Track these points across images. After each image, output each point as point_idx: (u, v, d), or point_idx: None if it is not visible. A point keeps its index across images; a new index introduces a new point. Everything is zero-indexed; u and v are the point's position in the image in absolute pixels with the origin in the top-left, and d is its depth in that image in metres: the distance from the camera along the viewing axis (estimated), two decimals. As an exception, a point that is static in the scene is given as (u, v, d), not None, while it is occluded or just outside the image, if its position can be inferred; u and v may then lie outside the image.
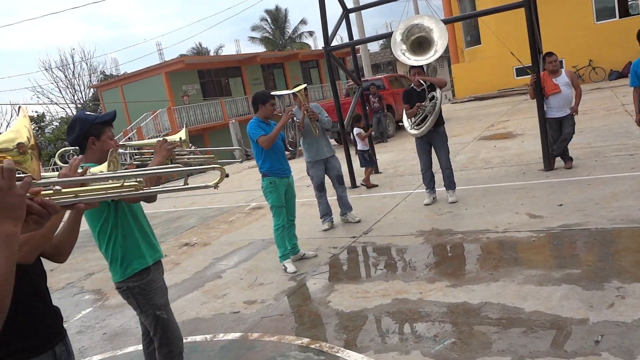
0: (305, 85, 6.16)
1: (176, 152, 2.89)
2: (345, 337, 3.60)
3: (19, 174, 1.16)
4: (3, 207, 1.08)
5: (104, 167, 1.86)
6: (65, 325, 4.63)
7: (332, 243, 5.82)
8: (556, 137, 7.08)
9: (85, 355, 4.11)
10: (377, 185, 8.37)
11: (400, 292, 4.12)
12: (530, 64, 7.21)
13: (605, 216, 4.92)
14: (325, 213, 6.35)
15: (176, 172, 1.96)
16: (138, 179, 1.64)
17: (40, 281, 1.91)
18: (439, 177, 6.78)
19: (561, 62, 19.07)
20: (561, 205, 5.51)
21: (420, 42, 6.66)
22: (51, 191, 1.32)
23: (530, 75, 7.23)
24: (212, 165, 1.96)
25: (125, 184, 1.61)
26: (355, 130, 8.68)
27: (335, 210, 6.51)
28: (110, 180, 1.66)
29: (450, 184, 6.57)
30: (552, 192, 6.08)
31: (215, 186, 1.88)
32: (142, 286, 2.75)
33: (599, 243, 4.39)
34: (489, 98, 21.60)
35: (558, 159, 7.20)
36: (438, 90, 6.40)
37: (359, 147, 8.57)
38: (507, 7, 7.28)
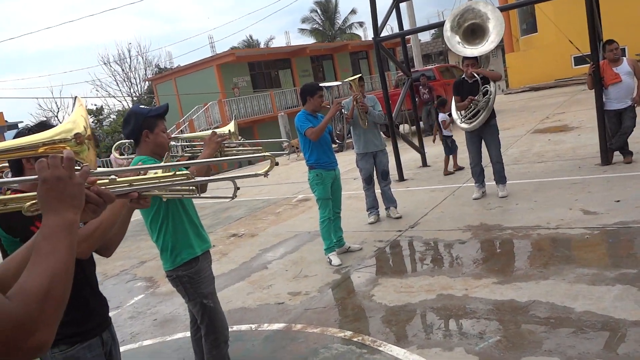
0: (360, 75, 6.13)
1: (225, 145, 2.95)
2: (388, 331, 3.59)
3: (76, 163, 1.20)
4: (64, 195, 1.10)
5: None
6: (118, 311, 4.84)
7: (377, 236, 5.79)
8: (615, 130, 6.75)
9: (136, 339, 4.29)
10: (454, 172, 8.28)
11: (446, 288, 4.06)
12: (590, 53, 6.89)
13: (667, 214, 4.66)
14: (372, 206, 6.33)
15: (227, 161, 2.01)
16: (188, 171, 1.69)
17: (91, 270, 2.01)
18: (489, 171, 6.61)
19: (623, 50, 18.17)
20: (618, 201, 5.26)
21: (473, 30, 6.46)
22: (107, 180, 1.37)
23: (589, 64, 6.91)
24: (263, 154, 2.00)
25: (177, 173, 1.66)
26: (440, 116, 8.53)
27: (383, 204, 6.47)
28: (162, 171, 1.73)
29: (500, 178, 6.39)
30: (609, 187, 5.81)
31: (266, 174, 1.92)
32: (191, 275, 2.83)
33: (659, 242, 4.17)
34: (544, 88, 20.80)
35: (616, 153, 6.86)
36: (492, 84, 6.21)
37: (443, 133, 8.42)
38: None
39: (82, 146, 1.32)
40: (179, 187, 1.70)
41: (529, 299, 3.60)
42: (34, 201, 1.23)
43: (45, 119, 33.55)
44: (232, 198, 1.87)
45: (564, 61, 20.83)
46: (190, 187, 1.76)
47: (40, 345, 0.95)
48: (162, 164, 2.78)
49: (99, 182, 1.30)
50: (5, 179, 1.77)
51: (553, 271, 3.97)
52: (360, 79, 6.01)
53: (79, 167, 1.19)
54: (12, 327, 0.92)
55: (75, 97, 1.47)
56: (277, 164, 1.79)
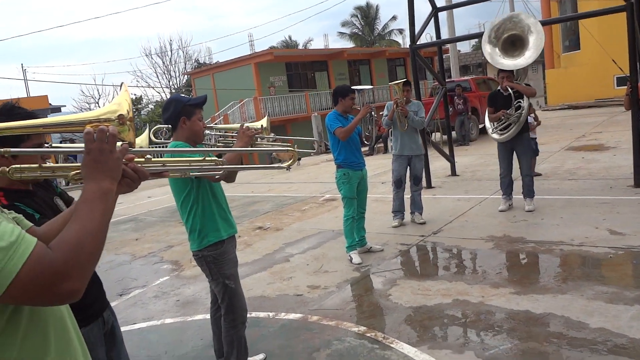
0: (406, 79, 6.23)
1: (256, 138, 3.09)
2: (401, 329, 3.66)
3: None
4: (105, 166, 1.24)
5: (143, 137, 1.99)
6: (143, 289, 5.05)
7: (400, 240, 5.85)
8: (651, 152, 6.64)
9: (159, 317, 4.47)
10: (540, 174, 8.24)
11: (462, 294, 4.11)
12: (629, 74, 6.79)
13: (695, 239, 4.60)
14: (398, 210, 6.38)
15: (255, 151, 2.14)
16: (217, 156, 1.81)
17: None
18: (518, 184, 6.59)
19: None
20: (647, 223, 5.20)
21: (513, 41, 6.45)
22: (143, 159, 1.51)
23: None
24: (287, 148, 2.12)
25: (207, 158, 1.79)
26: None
27: (408, 208, 6.52)
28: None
29: (528, 192, 6.37)
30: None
31: (288, 167, 2.04)
32: (215, 256, 2.98)
33: (684, 266, 4.13)
34: (584, 107, 20.41)
35: (651, 175, 6.74)
36: (525, 99, 6.21)
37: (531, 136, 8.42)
38: (608, 11, 6.92)
39: (123, 126, 1.46)
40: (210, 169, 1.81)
41: (544, 311, 3.62)
42: (77, 171, 1.38)
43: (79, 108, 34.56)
44: (288, 169, 2.00)
45: (606, 81, 20.41)
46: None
47: (73, 291, 1.09)
48: (198, 148, 2.93)
49: (135, 159, 1.42)
50: (53, 149, 1.91)
51: (572, 286, 3.98)
52: (406, 83, 6.12)
53: (120, 144, 1.32)
54: (51, 273, 1.06)
55: (122, 83, 1.61)
56: (299, 159, 1.90)
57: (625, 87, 6.85)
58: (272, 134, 3.45)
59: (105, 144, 1.25)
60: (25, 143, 1.84)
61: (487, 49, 6.53)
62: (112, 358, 2.14)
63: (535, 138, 8.33)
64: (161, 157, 1.78)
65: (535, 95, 6.34)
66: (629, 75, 6.83)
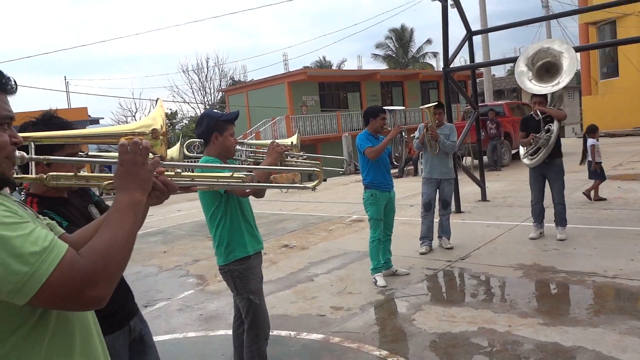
0: (438, 102, 6.23)
1: (286, 155, 3.11)
2: (424, 355, 3.59)
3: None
4: (137, 178, 1.28)
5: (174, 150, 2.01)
6: (168, 302, 5.09)
7: (426, 264, 5.77)
8: (691, 183, 6.42)
9: (182, 330, 4.50)
10: (605, 199, 8.22)
11: (488, 322, 4.01)
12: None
13: None
14: (426, 235, 6.28)
15: (281, 170, 2.17)
16: (245, 173, 1.83)
17: None
18: (550, 212, 6.44)
19: None
20: (686, 258, 5.00)
21: (547, 68, 6.39)
22: (173, 173, 1.54)
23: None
24: (311, 168, 2.13)
25: (234, 175, 1.82)
26: (590, 141, 8.51)
27: (437, 233, 6.43)
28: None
29: (560, 220, 6.21)
30: (678, 242, 5.52)
31: (313, 188, 2.04)
32: (242, 271, 2.99)
33: None
34: (621, 135, 19.89)
35: (691, 208, 6.51)
36: (555, 122, 6.12)
37: (589, 158, 8.43)
38: (647, 39, 6.76)
39: (156, 140, 1.51)
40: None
41: (574, 344, 3.50)
42: (110, 181, 1.42)
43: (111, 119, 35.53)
44: (313, 189, 2.00)
45: (645, 109, 19.90)
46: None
47: (99, 298, 1.12)
48: (228, 165, 2.98)
49: (166, 173, 1.47)
50: (89, 159, 1.98)
51: (604, 320, 3.84)
52: (439, 106, 6.11)
53: (152, 157, 1.36)
54: (80, 279, 1.09)
55: (158, 98, 1.66)
56: (325, 179, 1.91)
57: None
58: (302, 152, 3.47)
59: (138, 156, 1.29)
60: (59, 152, 1.91)
61: (520, 76, 6.48)
62: None
63: (601, 162, 8.32)
64: (191, 171, 1.82)
65: (566, 119, 6.24)
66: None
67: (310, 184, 1.99)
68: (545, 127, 6.10)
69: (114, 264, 1.14)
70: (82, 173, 1.62)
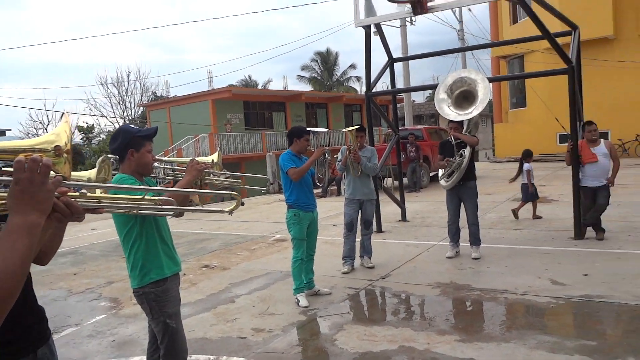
0: (359, 125, 6.35)
1: (207, 173, 3.02)
2: (345, 376, 3.57)
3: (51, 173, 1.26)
4: (33, 198, 1.16)
5: (93, 172, 1.92)
6: (77, 328, 4.73)
7: (348, 283, 5.81)
8: (590, 206, 6.96)
9: (92, 358, 4.20)
10: (541, 217, 8.79)
11: (408, 340, 4.07)
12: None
13: (631, 292, 4.77)
14: (348, 255, 6.32)
15: (196, 193, 2.07)
16: (158, 197, 1.74)
17: (25, 285, 1.98)
18: (465, 232, 6.73)
19: (607, 133, 18.84)
20: (586, 275, 5.38)
21: (465, 96, 6.74)
22: (77, 194, 1.42)
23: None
24: (230, 192, 2.06)
25: (145, 197, 1.72)
26: (526, 165, 8.90)
27: (359, 253, 6.50)
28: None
29: (475, 240, 6.51)
30: (579, 261, 5.94)
31: (230, 212, 1.96)
32: (158, 293, 2.84)
33: (621, 318, 4.26)
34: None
35: (590, 228, 7.05)
36: (468, 148, 6.46)
37: (524, 181, 8.87)
38: (551, 72, 7.35)
39: (60, 158, 1.38)
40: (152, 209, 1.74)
41: (488, 359, 3.63)
42: (3, 201, 1.27)
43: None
44: (230, 213, 1.92)
45: (550, 137, 21.54)
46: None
47: None
48: (140, 187, 2.83)
49: (69, 194, 1.35)
50: None
51: (515, 335, 4.02)
52: (360, 129, 6.24)
53: (53, 176, 1.25)
54: None
55: (63, 112, 1.54)
56: (242, 204, 1.86)
57: (567, 144, 7.22)
58: (224, 170, 3.39)
59: (36, 174, 1.17)
60: None
61: (439, 103, 6.79)
62: None
63: (534, 184, 8.92)
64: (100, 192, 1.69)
65: (478, 144, 6.62)
66: (569, 133, 7.22)
67: (227, 208, 1.92)
68: (459, 152, 6.44)
69: (3, 294, 1.03)
70: None
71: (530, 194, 8.89)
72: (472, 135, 6.67)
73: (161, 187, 2.89)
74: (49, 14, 67.51)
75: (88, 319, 5.22)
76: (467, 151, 6.44)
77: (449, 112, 6.67)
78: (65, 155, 1.39)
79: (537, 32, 7.19)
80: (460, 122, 6.69)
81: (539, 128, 21.65)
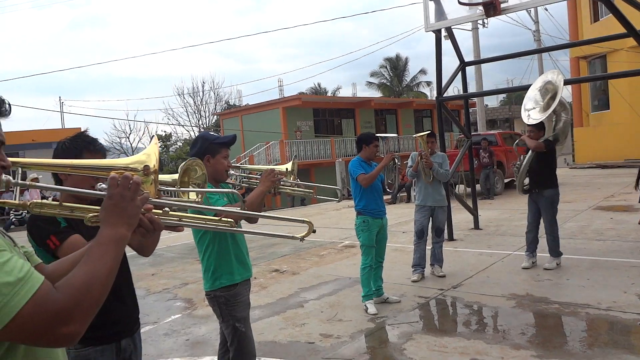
0: (430, 131, 6.27)
1: (281, 182, 3.07)
2: (415, 387, 3.50)
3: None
4: (124, 212, 1.25)
5: (175, 176, 1.98)
6: (154, 326, 4.94)
7: (418, 292, 5.70)
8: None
9: (167, 356, 4.38)
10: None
11: (480, 353, 3.93)
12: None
13: None
14: (418, 263, 6.20)
15: (268, 217, 2.14)
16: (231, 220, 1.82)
17: (119, 276, 2.12)
18: (544, 242, 6.40)
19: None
20: (679, 291, 4.97)
21: (553, 97, 6.45)
22: (160, 211, 1.51)
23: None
24: (302, 219, 2.09)
25: (222, 219, 1.79)
26: None
27: (429, 261, 6.36)
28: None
29: (552, 251, 6.19)
30: (671, 275, 5.50)
31: (301, 239, 2.00)
32: (228, 297, 2.92)
33: None
34: (613, 167, 20.06)
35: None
36: (529, 152, 6.26)
37: None
38: (637, 72, 6.87)
39: (147, 177, 1.49)
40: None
41: (568, 377, 3.43)
42: (96, 213, 1.39)
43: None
44: (301, 240, 1.97)
45: (636, 141, 20.11)
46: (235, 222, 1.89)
47: (71, 335, 1.06)
48: (219, 189, 2.93)
49: (153, 211, 1.43)
50: (75, 189, 1.95)
51: (598, 353, 3.78)
52: (431, 134, 6.16)
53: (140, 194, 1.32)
54: (53, 314, 1.03)
55: (153, 136, 1.65)
56: (314, 231, 1.90)
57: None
58: (298, 179, 3.43)
59: (127, 190, 1.26)
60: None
61: (526, 105, 6.51)
62: None
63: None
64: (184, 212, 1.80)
65: (541, 149, 6.16)
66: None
67: (299, 235, 1.95)
68: (520, 157, 6.36)
69: (90, 299, 1.09)
70: (67, 204, 1.58)
71: None
72: (546, 141, 6.31)
73: (233, 206, 2.94)
74: (129, 31, 71.77)
75: (164, 318, 5.45)
76: (526, 156, 6.20)
77: (526, 116, 6.37)
78: (152, 175, 1.49)
79: (621, 30, 6.76)
80: (539, 127, 6.35)
81: (624, 131, 20.30)
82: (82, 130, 2.13)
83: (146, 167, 1.48)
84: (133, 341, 2.19)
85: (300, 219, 1.86)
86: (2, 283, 1.01)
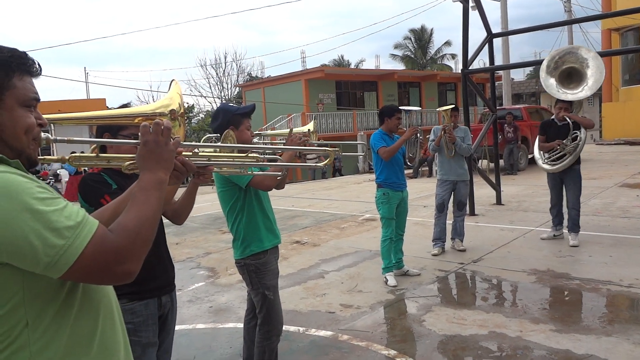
0: (454, 105, 6.19)
1: (305, 142, 3.08)
2: (432, 357, 3.56)
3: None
4: (160, 157, 1.31)
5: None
6: (178, 293, 5.06)
7: (438, 265, 5.73)
8: None
9: (191, 322, 4.52)
10: None
11: (499, 326, 3.96)
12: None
13: None
14: (439, 237, 6.22)
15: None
16: (258, 155, 1.86)
17: (158, 240, 2.21)
18: (565, 218, 6.35)
19: None
20: None
21: (570, 73, 6.25)
22: (190, 153, 1.57)
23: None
24: (325, 148, 2.17)
25: (248, 155, 1.84)
26: None
27: (449, 235, 6.37)
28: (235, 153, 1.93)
29: (573, 226, 6.13)
30: (697, 254, 5.42)
31: (325, 166, 2.10)
32: (258, 265, 2.99)
33: None
34: (642, 144, 19.58)
35: None
36: (583, 130, 6.03)
37: None
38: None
39: (175, 121, 1.53)
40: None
41: (586, 352, 3.44)
42: (132, 161, 1.46)
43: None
44: (324, 167, 2.09)
45: (667, 118, 19.55)
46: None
47: (129, 272, 1.14)
48: (254, 146, 2.97)
49: (183, 153, 1.50)
50: (110, 140, 2.06)
51: (618, 329, 3.77)
52: (455, 109, 6.07)
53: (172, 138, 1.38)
54: (112, 253, 1.11)
55: (172, 80, 1.67)
56: (336, 158, 1.96)
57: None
58: (320, 140, 3.46)
59: (160, 136, 1.32)
60: (124, 131, 2.13)
61: (545, 80, 6.32)
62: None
63: None
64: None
65: (593, 127, 6.09)
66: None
67: (321, 163, 2.04)
68: (573, 134, 6.02)
69: (142, 239, 1.17)
70: (103, 154, 1.66)
71: None
72: (582, 117, 6.20)
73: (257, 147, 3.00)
74: (152, 1, 71.51)
75: (188, 286, 5.60)
76: (582, 134, 6.02)
77: (558, 93, 6.19)
78: (179, 118, 1.53)
79: (658, 1, 6.49)
80: (570, 102, 6.25)
81: (655, 107, 19.72)
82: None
83: (172, 111, 1.52)
84: (171, 299, 2.28)
85: (323, 149, 1.95)
86: (64, 227, 1.07)
